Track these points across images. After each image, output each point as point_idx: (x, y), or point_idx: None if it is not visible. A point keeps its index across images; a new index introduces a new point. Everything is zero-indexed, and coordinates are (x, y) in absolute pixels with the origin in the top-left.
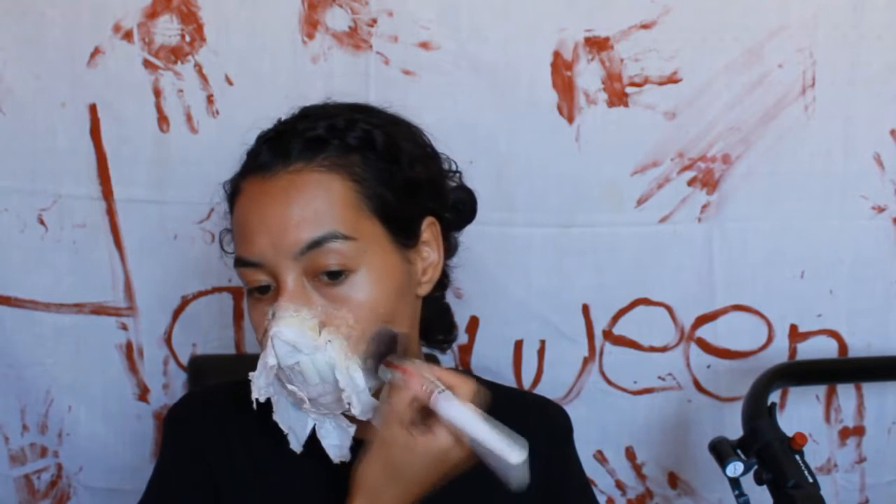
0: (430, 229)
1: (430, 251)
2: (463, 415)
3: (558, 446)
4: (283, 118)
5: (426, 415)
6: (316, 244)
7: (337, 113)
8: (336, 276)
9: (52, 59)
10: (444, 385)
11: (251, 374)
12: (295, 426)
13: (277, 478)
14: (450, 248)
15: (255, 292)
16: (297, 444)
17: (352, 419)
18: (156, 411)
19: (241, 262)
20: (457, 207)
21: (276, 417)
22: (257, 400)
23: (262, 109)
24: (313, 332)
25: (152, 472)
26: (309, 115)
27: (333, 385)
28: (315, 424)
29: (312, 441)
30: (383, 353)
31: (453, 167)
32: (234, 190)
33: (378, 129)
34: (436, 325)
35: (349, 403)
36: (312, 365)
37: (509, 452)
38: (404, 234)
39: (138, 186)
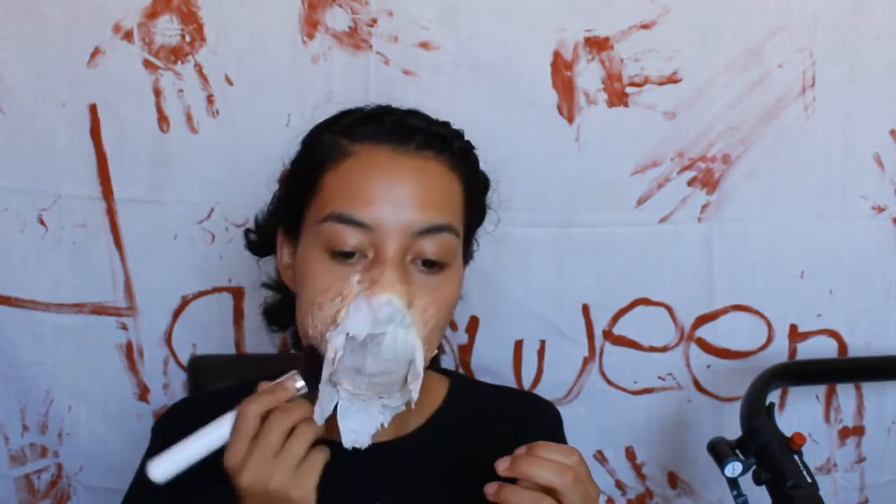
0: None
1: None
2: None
3: (544, 439)
4: (375, 106)
5: None
6: (435, 230)
7: (447, 125)
8: (432, 265)
9: (52, 59)
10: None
11: (332, 330)
12: (325, 400)
13: None
14: None
15: (337, 254)
16: (320, 417)
17: (384, 407)
18: (156, 411)
19: (343, 219)
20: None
21: (323, 385)
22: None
23: (262, 109)
24: (407, 305)
25: (133, 478)
26: (420, 115)
27: (400, 366)
28: (339, 405)
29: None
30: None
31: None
32: (338, 150)
33: (472, 149)
34: None
35: (413, 388)
36: (394, 339)
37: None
38: (468, 252)
39: (138, 186)
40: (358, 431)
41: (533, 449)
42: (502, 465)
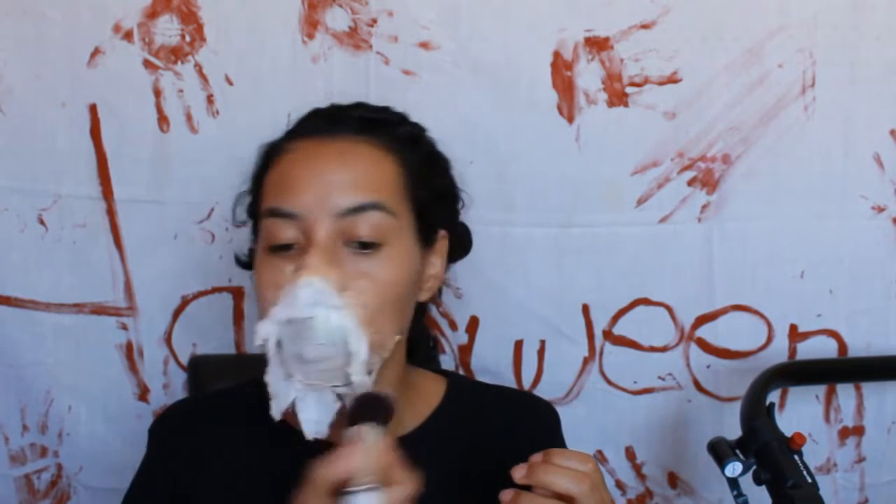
0: (441, 241)
1: (436, 262)
2: None
3: (543, 443)
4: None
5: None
6: (360, 209)
7: (388, 110)
8: (367, 246)
9: (52, 59)
10: (382, 481)
11: (261, 322)
12: (279, 393)
13: (260, 482)
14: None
15: (276, 249)
16: (277, 412)
17: (338, 396)
18: (156, 411)
19: (274, 213)
20: (461, 237)
21: (267, 378)
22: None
23: (262, 109)
24: (336, 289)
25: (132, 479)
26: (362, 105)
27: (338, 350)
28: (297, 397)
29: (301, 452)
30: (368, 416)
31: (463, 199)
32: (276, 150)
33: (423, 132)
34: (418, 339)
35: (353, 371)
36: (326, 322)
37: None
38: (425, 235)
39: (138, 186)
40: (317, 422)
41: (549, 456)
42: (519, 473)
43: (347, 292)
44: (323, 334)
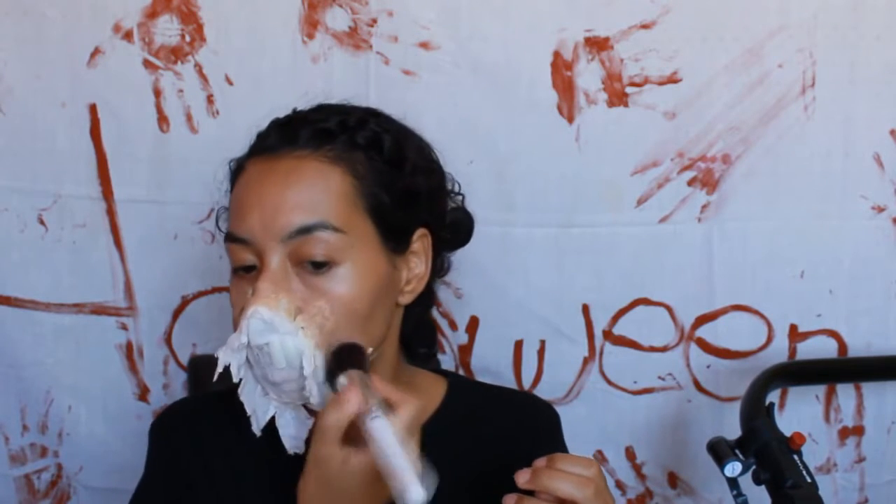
0: (421, 241)
1: (417, 262)
2: (385, 439)
3: (542, 444)
4: (298, 109)
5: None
6: (305, 230)
7: (350, 112)
8: (320, 266)
9: (52, 59)
10: (386, 404)
11: (219, 350)
12: (258, 410)
13: (258, 484)
14: (440, 268)
15: (239, 271)
16: (257, 428)
17: (311, 412)
18: (156, 411)
19: (230, 238)
20: (453, 227)
21: (241, 397)
22: (236, 409)
23: (262, 109)
24: (288, 314)
25: (139, 481)
26: (322, 109)
27: (298, 371)
28: (276, 413)
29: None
30: (345, 365)
31: (456, 189)
32: (238, 168)
33: (387, 133)
34: (417, 338)
35: (309, 393)
36: (281, 347)
37: (412, 489)
38: (394, 240)
39: (138, 186)
40: (296, 437)
41: (553, 461)
42: (522, 478)
43: (302, 315)
44: (279, 359)
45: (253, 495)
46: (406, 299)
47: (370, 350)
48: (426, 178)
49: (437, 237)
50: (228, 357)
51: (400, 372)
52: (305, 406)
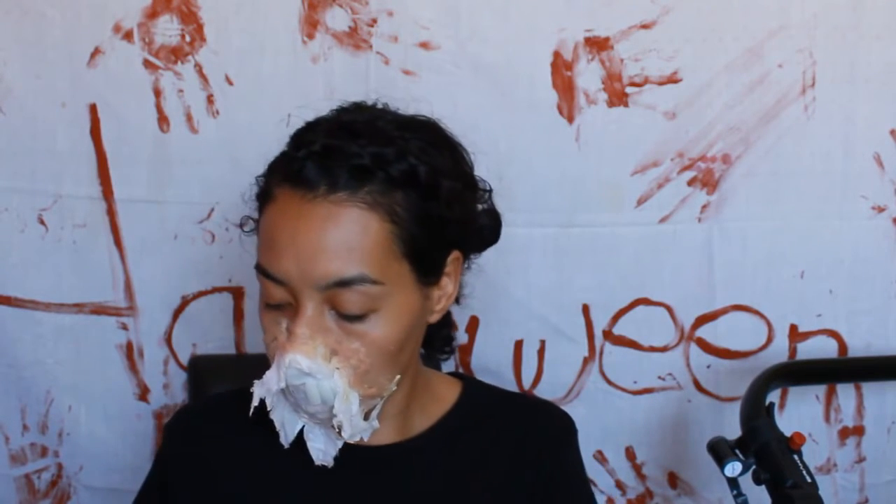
0: (453, 263)
1: (448, 282)
2: None
3: (552, 451)
4: (326, 123)
5: None
6: (344, 283)
7: (387, 135)
8: (355, 318)
9: (52, 59)
10: None
11: (256, 382)
12: (287, 424)
13: (273, 488)
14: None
15: (271, 305)
16: (285, 440)
17: (339, 432)
18: (156, 411)
19: (263, 272)
20: (481, 233)
21: (272, 415)
22: (255, 408)
23: (262, 109)
24: (324, 359)
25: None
26: (358, 135)
27: (331, 409)
28: (305, 426)
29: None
30: None
31: (486, 186)
32: (267, 193)
33: (423, 163)
34: (439, 339)
35: (339, 427)
36: (317, 389)
37: None
38: (429, 273)
39: (138, 186)
40: (324, 451)
41: None
42: None
43: (337, 356)
44: (315, 398)
45: (270, 495)
46: (435, 318)
47: (397, 377)
48: (461, 203)
49: (466, 251)
50: (264, 393)
51: (417, 377)
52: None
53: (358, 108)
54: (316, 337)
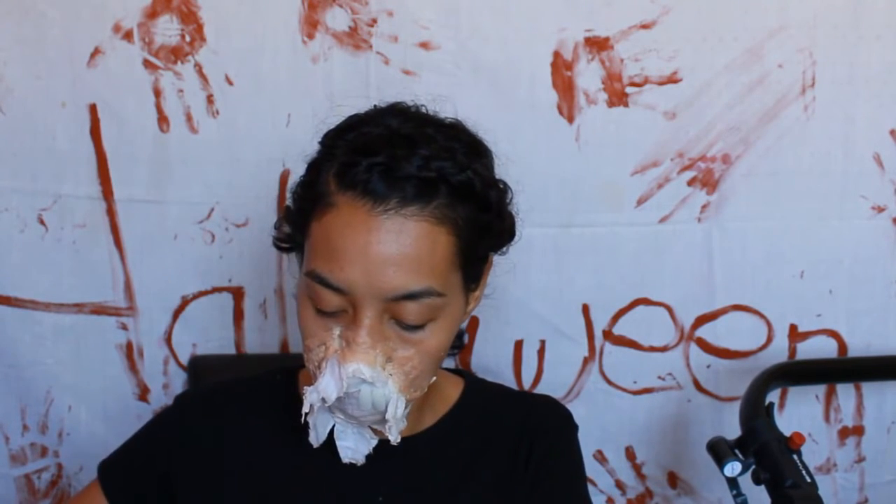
0: (487, 267)
1: (480, 286)
2: None
3: (551, 445)
4: (376, 128)
5: None
6: (411, 297)
7: (440, 145)
8: (415, 329)
9: (52, 59)
10: None
11: (308, 388)
12: (318, 425)
13: (276, 476)
14: None
15: (320, 310)
16: (315, 440)
17: (375, 431)
18: (156, 411)
19: (321, 281)
20: (511, 234)
21: (308, 416)
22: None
23: (262, 109)
24: (381, 366)
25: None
26: (417, 145)
27: (381, 416)
28: (335, 424)
29: (332, 449)
30: None
31: (509, 188)
32: (324, 199)
33: (477, 174)
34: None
35: (388, 432)
36: (371, 396)
37: None
38: (474, 280)
39: (138, 186)
40: (354, 450)
41: None
42: None
43: (392, 363)
44: (366, 404)
45: (275, 481)
46: (466, 321)
47: (434, 379)
48: (504, 208)
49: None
50: (315, 399)
51: None
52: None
53: (398, 111)
54: (376, 346)
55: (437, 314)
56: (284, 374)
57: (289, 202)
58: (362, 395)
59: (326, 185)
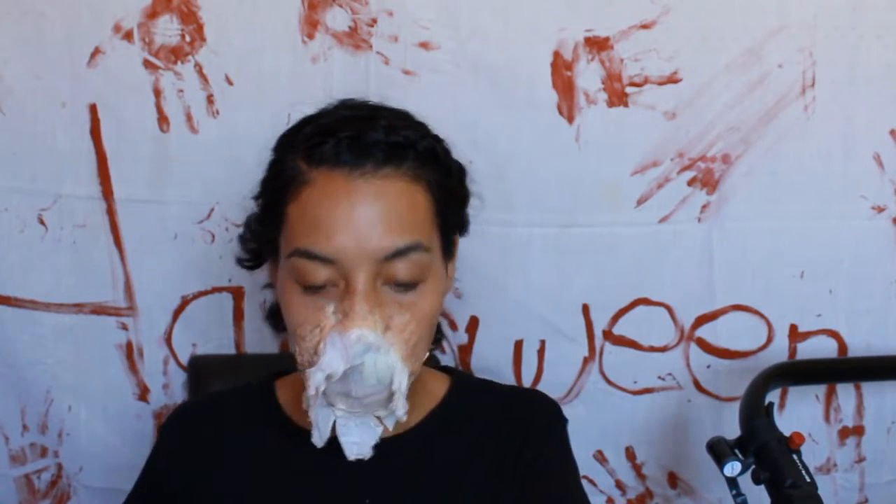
0: (454, 248)
1: (453, 265)
2: None
3: (538, 438)
4: (334, 114)
5: None
6: (400, 253)
7: (399, 118)
8: (407, 287)
9: (52, 59)
10: None
11: (310, 371)
12: (320, 422)
13: (261, 483)
14: None
15: (309, 288)
16: (318, 440)
17: (379, 420)
18: (156, 411)
19: (307, 255)
20: (466, 215)
21: (310, 413)
22: (255, 406)
23: (262, 109)
24: (381, 332)
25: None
26: (377, 119)
27: (385, 387)
28: (336, 420)
29: (314, 452)
30: None
31: (466, 172)
32: (299, 179)
33: (437, 142)
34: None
35: (396, 406)
36: (374, 366)
37: None
38: (448, 247)
39: (138, 186)
40: (359, 444)
41: None
42: None
43: (390, 331)
44: (370, 377)
45: (267, 492)
46: (448, 292)
47: (427, 354)
48: (462, 182)
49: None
50: (319, 379)
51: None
52: (374, 415)
53: (349, 105)
54: (374, 311)
55: (425, 273)
56: (259, 384)
57: (252, 211)
58: (366, 366)
59: (296, 169)
